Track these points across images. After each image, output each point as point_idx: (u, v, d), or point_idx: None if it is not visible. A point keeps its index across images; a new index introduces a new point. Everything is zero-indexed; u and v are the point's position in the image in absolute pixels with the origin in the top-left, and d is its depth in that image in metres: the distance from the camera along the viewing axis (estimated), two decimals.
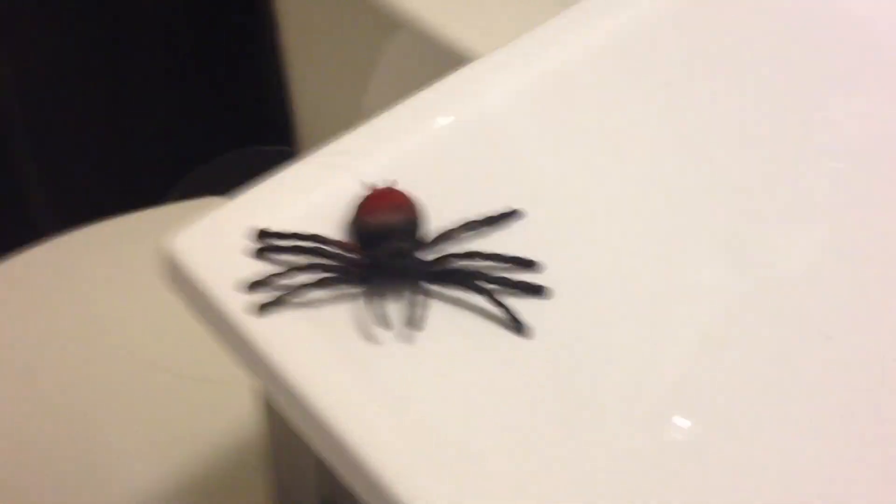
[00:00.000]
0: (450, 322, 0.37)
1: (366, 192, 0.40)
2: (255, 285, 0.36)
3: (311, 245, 0.38)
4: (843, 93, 0.47)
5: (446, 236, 0.39)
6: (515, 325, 0.36)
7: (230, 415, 0.73)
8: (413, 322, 0.36)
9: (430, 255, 0.38)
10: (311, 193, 0.40)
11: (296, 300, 0.36)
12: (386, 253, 0.37)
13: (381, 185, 0.40)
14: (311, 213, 0.39)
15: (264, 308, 0.36)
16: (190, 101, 1.16)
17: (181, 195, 1.09)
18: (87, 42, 1.07)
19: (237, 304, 0.36)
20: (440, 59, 0.72)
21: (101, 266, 0.84)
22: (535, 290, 0.37)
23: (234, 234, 0.38)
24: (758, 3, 0.50)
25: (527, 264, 0.38)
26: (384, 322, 0.35)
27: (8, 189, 1.07)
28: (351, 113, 0.91)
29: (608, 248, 0.40)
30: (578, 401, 0.35)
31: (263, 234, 0.38)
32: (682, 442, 0.35)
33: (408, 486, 0.33)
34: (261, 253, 0.38)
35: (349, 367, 0.35)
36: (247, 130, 1.20)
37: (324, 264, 0.37)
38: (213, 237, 0.39)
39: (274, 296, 0.36)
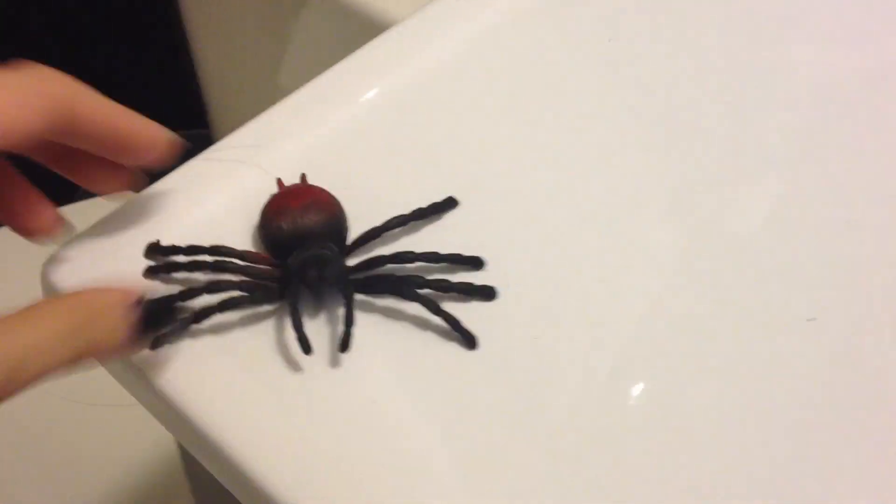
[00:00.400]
0: (382, 337, 0.31)
1: (274, 191, 0.34)
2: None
3: (212, 259, 0.32)
4: (791, 39, 0.42)
5: (371, 235, 0.33)
6: (465, 338, 0.31)
7: (148, 440, 0.67)
8: (340, 343, 0.30)
9: (354, 260, 0.33)
10: (211, 197, 0.34)
11: (197, 327, 0.31)
12: (303, 261, 0.32)
13: (291, 181, 0.35)
14: (211, 221, 0.34)
15: (157, 340, 0.30)
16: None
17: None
18: None
19: None
20: (359, 28, 0.67)
21: None
22: (484, 294, 0.32)
23: (121, 251, 0.33)
24: None
25: (470, 262, 0.33)
26: (305, 345, 0.30)
27: None
28: (265, 90, 0.86)
29: (550, 220, 0.35)
30: (531, 396, 0.30)
31: (154, 250, 0.32)
32: (641, 409, 0.30)
33: None
34: (153, 272, 0.32)
35: (267, 402, 0.30)
36: (159, 114, 1.12)
37: (229, 281, 0.31)
38: (96, 256, 0.33)
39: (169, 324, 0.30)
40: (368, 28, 0.64)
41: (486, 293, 0.32)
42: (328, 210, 0.33)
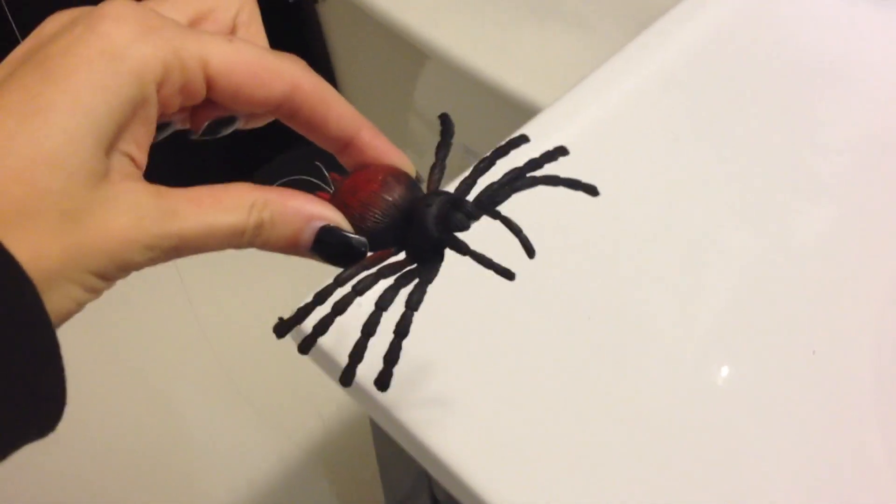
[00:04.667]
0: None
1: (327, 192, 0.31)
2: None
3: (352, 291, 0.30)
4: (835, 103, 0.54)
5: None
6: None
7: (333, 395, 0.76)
8: (527, 250, 0.29)
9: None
10: None
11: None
12: (439, 212, 0.29)
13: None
14: None
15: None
16: None
17: None
18: None
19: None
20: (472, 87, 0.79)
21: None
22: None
23: None
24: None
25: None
26: (505, 272, 0.28)
27: None
28: (395, 130, 0.99)
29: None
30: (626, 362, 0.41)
31: (289, 325, 0.31)
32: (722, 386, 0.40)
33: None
34: (308, 345, 0.31)
35: None
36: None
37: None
38: None
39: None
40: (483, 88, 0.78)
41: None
42: (401, 173, 0.30)
